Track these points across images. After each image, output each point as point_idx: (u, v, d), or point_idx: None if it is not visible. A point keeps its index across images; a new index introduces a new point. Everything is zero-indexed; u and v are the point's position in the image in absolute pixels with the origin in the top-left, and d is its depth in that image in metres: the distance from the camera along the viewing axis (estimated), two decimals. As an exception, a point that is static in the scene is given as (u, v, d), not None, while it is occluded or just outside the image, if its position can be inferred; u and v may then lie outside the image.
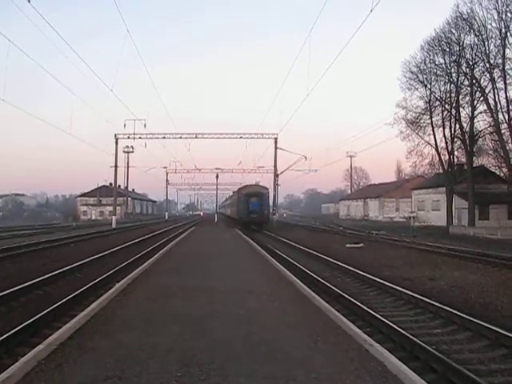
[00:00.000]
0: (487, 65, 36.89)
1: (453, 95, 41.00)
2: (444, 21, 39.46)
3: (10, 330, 7.08)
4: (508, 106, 35.96)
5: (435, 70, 41.55)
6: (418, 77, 42.62)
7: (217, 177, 73.32)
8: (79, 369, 4.88)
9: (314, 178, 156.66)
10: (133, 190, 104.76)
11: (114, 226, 48.26)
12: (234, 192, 60.43)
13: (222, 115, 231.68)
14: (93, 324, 6.77)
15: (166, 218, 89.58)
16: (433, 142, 42.88)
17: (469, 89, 39.66)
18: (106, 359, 5.15)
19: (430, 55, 41.53)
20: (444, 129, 42.30)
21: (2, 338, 6.69)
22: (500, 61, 35.92)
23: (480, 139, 41.35)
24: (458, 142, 42.49)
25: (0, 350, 6.47)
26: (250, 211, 41.90)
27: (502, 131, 37.07)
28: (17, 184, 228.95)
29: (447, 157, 43.42)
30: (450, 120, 41.80)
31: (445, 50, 40.08)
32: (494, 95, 36.78)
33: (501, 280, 13.39)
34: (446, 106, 41.64)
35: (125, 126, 47.24)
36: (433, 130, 42.58)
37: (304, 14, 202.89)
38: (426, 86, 42.26)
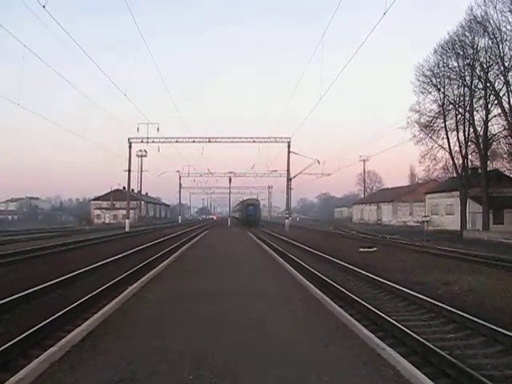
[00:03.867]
0: (502, 68, 36.55)
1: (466, 99, 40.65)
2: (458, 24, 39.24)
3: (24, 332, 7.15)
4: (523, 109, 35.58)
5: (449, 74, 41.30)
6: (431, 80, 42.37)
7: (230, 180, 73.66)
8: (91, 371, 4.91)
9: (327, 182, 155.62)
10: (146, 193, 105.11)
11: (127, 229, 48.56)
12: (240, 202, 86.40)
13: (235, 119, 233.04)
14: (105, 327, 6.81)
15: (179, 221, 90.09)
16: (446, 145, 42.54)
17: (483, 92, 39.33)
18: (117, 362, 5.18)
19: (443, 59, 41.25)
20: (458, 132, 41.95)
21: (16, 339, 6.76)
22: (515, 63, 35.60)
23: (494, 143, 40.82)
24: (472, 146, 42.07)
25: (14, 351, 6.54)
26: (249, 214, 66.66)
27: (517, 135, 36.68)
28: (31, 188, 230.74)
29: (461, 161, 43.00)
30: (464, 124, 41.42)
31: (458, 54, 39.80)
32: (509, 98, 36.35)
33: (516, 285, 13.20)
34: (460, 109, 41.29)
35: (138, 130, 47.59)
36: (446, 134, 42.26)
37: (317, 17, 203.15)
38: (439, 90, 41.99)
